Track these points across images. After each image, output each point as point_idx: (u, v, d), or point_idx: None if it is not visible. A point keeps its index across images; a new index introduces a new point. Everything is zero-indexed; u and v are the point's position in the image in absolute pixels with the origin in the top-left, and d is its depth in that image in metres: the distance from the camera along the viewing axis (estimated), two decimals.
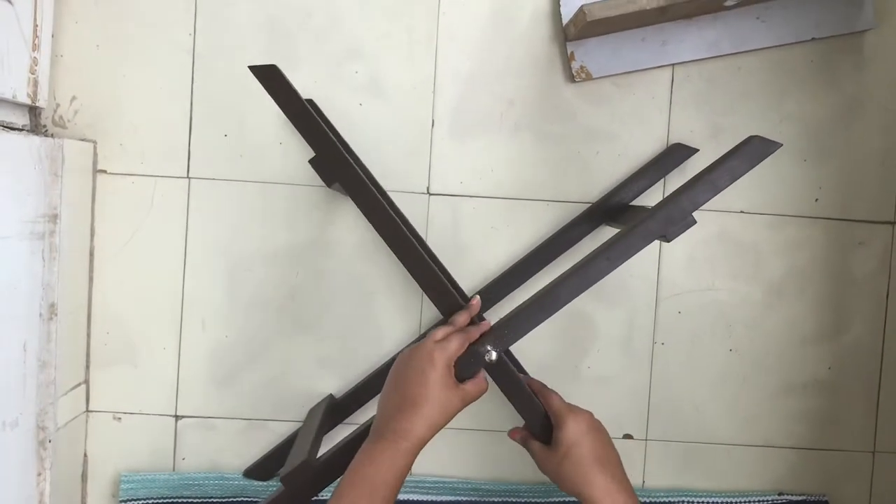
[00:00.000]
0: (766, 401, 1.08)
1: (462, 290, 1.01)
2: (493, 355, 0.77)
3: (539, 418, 0.82)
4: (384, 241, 0.81)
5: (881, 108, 1.06)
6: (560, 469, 0.78)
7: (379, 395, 0.79)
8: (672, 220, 0.77)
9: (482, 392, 0.78)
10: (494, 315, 1.05)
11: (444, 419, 0.75)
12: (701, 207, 1.05)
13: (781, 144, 0.76)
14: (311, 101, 1.00)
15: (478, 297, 0.83)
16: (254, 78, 1.02)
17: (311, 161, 0.81)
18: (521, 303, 0.81)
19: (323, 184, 1.03)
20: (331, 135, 0.81)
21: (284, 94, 0.80)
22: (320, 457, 0.84)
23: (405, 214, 1.03)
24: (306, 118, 0.80)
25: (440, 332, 0.78)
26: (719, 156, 1.06)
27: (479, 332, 0.79)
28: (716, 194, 0.77)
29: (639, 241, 0.77)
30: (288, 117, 0.81)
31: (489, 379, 0.80)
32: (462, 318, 0.81)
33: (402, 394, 0.75)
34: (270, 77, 0.80)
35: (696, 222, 0.77)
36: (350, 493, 0.71)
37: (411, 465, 0.74)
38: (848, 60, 1.06)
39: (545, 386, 0.85)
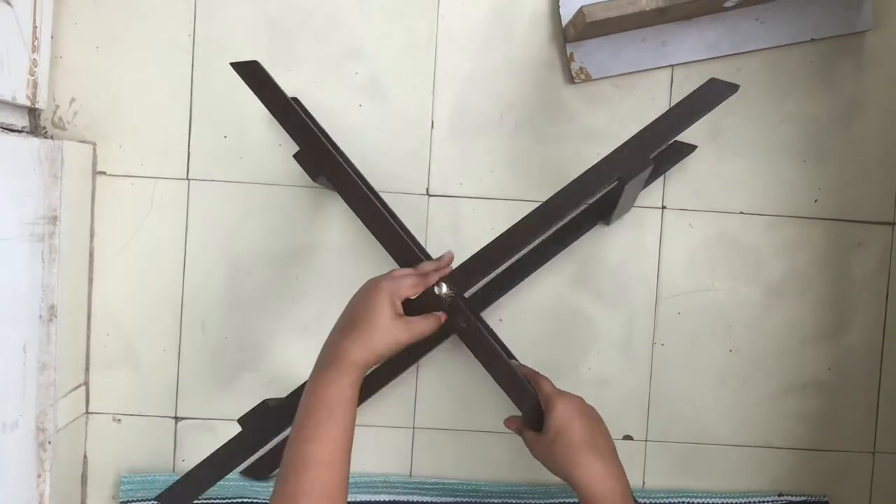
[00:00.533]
0: (766, 401, 1.08)
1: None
2: (444, 289, 0.79)
3: (526, 398, 0.82)
4: (373, 235, 0.84)
5: (880, 109, 1.06)
6: (550, 453, 0.79)
7: None
8: (630, 159, 0.78)
9: (431, 329, 0.80)
10: (492, 316, 1.05)
11: (384, 345, 0.75)
12: (701, 208, 1.06)
13: (738, 86, 0.79)
14: (296, 100, 1.01)
15: (451, 251, 0.85)
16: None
17: (295, 155, 0.83)
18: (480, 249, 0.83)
19: (325, 185, 1.03)
20: (314, 128, 0.83)
21: (267, 90, 0.81)
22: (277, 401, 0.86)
23: (404, 216, 1.03)
24: (289, 113, 0.81)
25: (400, 271, 0.81)
26: (719, 158, 1.07)
27: (437, 276, 0.81)
28: (675, 136, 0.80)
29: (597, 180, 0.79)
30: (271, 112, 0.82)
31: (491, 379, 0.81)
32: (429, 266, 0.83)
33: (345, 318, 0.78)
34: (253, 73, 0.81)
35: (652, 164, 0.79)
36: (309, 419, 0.71)
37: (358, 384, 0.74)
38: (847, 61, 1.06)
39: (537, 372, 0.85)
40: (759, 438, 1.08)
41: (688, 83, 1.05)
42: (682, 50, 1.04)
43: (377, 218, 0.83)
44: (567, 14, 1.01)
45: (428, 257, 0.99)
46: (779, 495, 1.07)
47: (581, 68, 1.03)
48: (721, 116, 1.05)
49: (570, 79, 1.04)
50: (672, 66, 1.05)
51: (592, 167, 0.79)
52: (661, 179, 1.05)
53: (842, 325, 1.08)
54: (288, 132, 0.82)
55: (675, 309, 1.07)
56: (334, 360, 0.74)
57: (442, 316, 0.81)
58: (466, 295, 0.87)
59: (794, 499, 1.07)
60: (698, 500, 1.06)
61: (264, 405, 0.84)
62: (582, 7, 0.92)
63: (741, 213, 1.06)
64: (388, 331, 0.76)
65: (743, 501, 1.06)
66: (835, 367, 1.09)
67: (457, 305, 0.81)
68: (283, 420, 0.84)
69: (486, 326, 1.03)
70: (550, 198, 0.80)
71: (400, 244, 0.84)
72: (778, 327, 1.08)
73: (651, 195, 1.05)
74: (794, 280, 1.07)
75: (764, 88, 1.05)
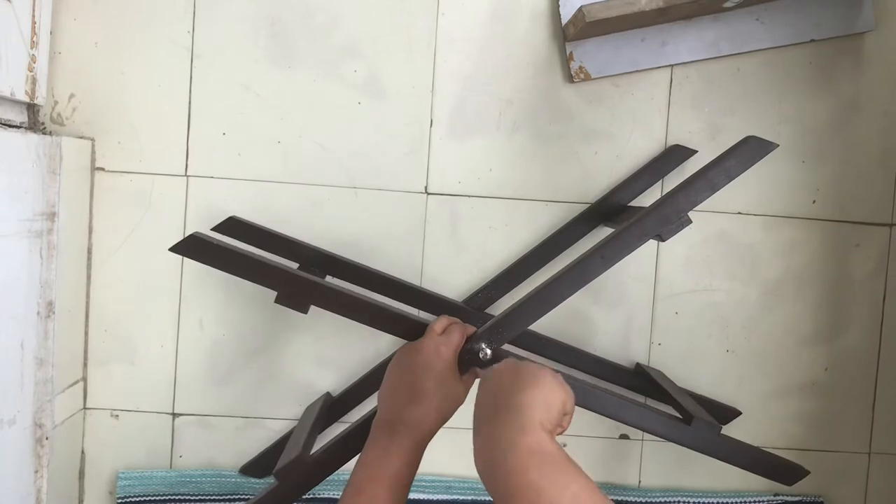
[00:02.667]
0: (763, 401, 1.09)
1: (454, 302, 1.02)
2: (489, 353, 0.78)
3: None
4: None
5: (879, 110, 1.06)
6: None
7: (379, 391, 0.79)
8: (668, 219, 0.77)
9: (474, 381, 0.80)
10: (492, 314, 1.05)
11: (452, 410, 0.76)
12: (699, 208, 1.06)
13: (777, 145, 0.77)
14: (232, 218, 0.98)
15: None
16: (252, 75, 1.03)
17: (277, 300, 0.78)
18: (515, 301, 0.81)
19: (321, 183, 1.03)
20: (285, 268, 0.80)
21: (222, 256, 0.78)
22: (314, 453, 0.84)
23: (402, 214, 1.04)
24: (254, 266, 0.78)
25: (439, 325, 0.79)
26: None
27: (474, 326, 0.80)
28: (712, 194, 0.77)
29: (634, 240, 0.77)
30: (237, 275, 0.78)
31: None
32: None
33: (410, 386, 0.75)
34: (198, 247, 0.77)
35: (691, 222, 0.77)
36: (370, 487, 0.71)
37: (423, 451, 0.74)
38: (847, 62, 1.06)
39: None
40: (756, 438, 1.08)
41: (687, 83, 1.05)
42: (682, 50, 1.03)
43: (385, 316, 0.81)
44: (567, 13, 1.01)
45: (443, 306, 1.00)
46: (774, 495, 1.08)
47: (580, 67, 1.03)
48: (720, 116, 1.05)
49: (570, 78, 1.04)
50: (671, 65, 1.05)
51: (631, 226, 0.77)
52: (659, 181, 1.05)
53: (839, 326, 1.08)
54: (263, 285, 0.78)
55: (673, 309, 1.07)
56: (406, 433, 0.73)
57: (482, 373, 0.79)
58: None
59: (790, 499, 1.07)
60: (694, 499, 1.07)
61: (301, 459, 0.83)
62: (581, 6, 0.92)
63: (739, 213, 1.06)
64: (455, 395, 0.76)
65: (739, 501, 1.07)
66: (832, 368, 1.09)
67: (499, 356, 0.79)
68: (321, 474, 0.83)
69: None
70: (586, 253, 0.78)
71: (416, 327, 0.81)
72: (775, 327, 1.08)
73: (649, 195, 1.05)
74: (792, 280, 1.08)
75: (763, 89, 1.05)
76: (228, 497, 1.04)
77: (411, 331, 0.81)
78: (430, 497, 1.04)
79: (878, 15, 1.05)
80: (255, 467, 1.05)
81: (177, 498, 1.03)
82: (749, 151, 0.76)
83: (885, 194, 1.08)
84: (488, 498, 1.05)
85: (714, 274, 1.07)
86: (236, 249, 0.79)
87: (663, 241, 0.78)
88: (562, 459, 0.58)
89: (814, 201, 1.07)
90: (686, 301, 1.07)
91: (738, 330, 1.08)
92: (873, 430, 1.10)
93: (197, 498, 1.03)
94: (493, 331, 0.79)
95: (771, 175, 1.06)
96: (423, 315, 1.04)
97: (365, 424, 0.79)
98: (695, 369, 1.08)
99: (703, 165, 1.04)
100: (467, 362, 0.78)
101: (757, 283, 1.07)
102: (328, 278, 0.99)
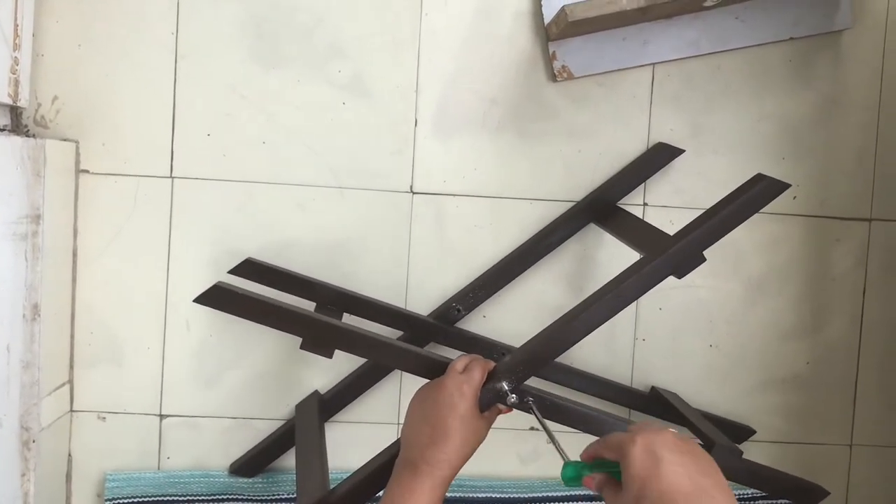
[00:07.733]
0: (746, 395, 1.10)
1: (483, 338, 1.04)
2: (514, 398, 0.77)
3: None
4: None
5: (858, 107, 1.08)
6: None
7: (402, 430, 0.80)
8: (683, 261, 0.79)
9: (495, 418, 0.81)
10: (476, 312, 1.06)
11: (475, 448, 0.76)
12: (681, 204, 1.07)
13: (790, 185, 0.78)
14: (248, 260, 1.00)
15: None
16: (237, 76, 1.03)
17: (302, 346, 0.79)
18: (530, 338, 0.81)
19: (307, 183, 1.04)
20: (310, 314, 0.81)
21: (245, 305, 0.79)
22: (336, 489, 0.83)
23: (388, 213, 1.04)
24: (279, 314, 0.79)
25: (460, 363, 0.79)
26: (699, 155, 1.08)
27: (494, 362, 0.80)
28: (724, 235, 0.79)
29: (651, 279, 0.79)
30: (261, 322, 0.79)
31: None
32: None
33: (433, 426, 0.76)
34: (221, 297, 0.78)
35: (706, 260, 0.79)
36: None
37: (446, 490, 0.75)
38: (826, 59, 1.07)
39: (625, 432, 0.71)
40: None
41: (668, 81, 1.06)
42: (663, 48, 1.05)
43: (407, 356, 0.82)
44: (549, 13, 1.02)
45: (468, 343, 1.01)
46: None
47: (563, 67, 1.04)
48: (701, 114, 1.06)
49: (553, 77, 1.04)
50: (653, 64, 1.06)
51: (647, 267, 0.78)
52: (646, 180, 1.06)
53: (820, 321, 1.10)
54: (286, 331, 0.80)
55: (657, 305, 1.08)
56: (429, 473, 0.73)
57: (504, 409, 0.80)
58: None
59: None
60: None
61: (325, 501, 0.81)
62: (564, 6, 0.93)
63: None
64: (478, 433, 0.76)
65: None
66: (813, 362, 1.10)
67: (522, 394, 0.79)
68: None
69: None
70: (603, 291, 0.79)
71: (437, 366, 0.82)
72: (758, 322, 1.09)
73: (632, 193, 1.06)
74: (774, 276, 1.09)
75: (743, 86, 1.07)
76: (217, 497, 1.03)
77: (433, 369, 0.81)
78: None
79: (856, 12, 1.06)
80: (245, 467, 1.05)
81: (165, 499, 1.03)
82: (762, 192, 0.78)
83: (865, 189, 1.09)
84: (475, 494, 1.06)
85: (697, 270, 1.08)
86: (259, 298, 0.79)
87: (680, 278, 0.80)
88: None
89: (794, 197, 1.08)
90: (669, 297, 1.08)
91: (722, 325, 1.09)
92: (854, 423, 1.11)
93: (185, 499, 1.03)
94: (512, 369, 0.79)
95: (752, 172, 1.05)
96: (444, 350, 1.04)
97: (388, 462, 0.79)
98: (679, 364, 1.09)
99: (688, 164, 1.07)
100: (489, 400, 0.78)
101: (739, 279, 1.09)
102: (345, 316, 1.00)
